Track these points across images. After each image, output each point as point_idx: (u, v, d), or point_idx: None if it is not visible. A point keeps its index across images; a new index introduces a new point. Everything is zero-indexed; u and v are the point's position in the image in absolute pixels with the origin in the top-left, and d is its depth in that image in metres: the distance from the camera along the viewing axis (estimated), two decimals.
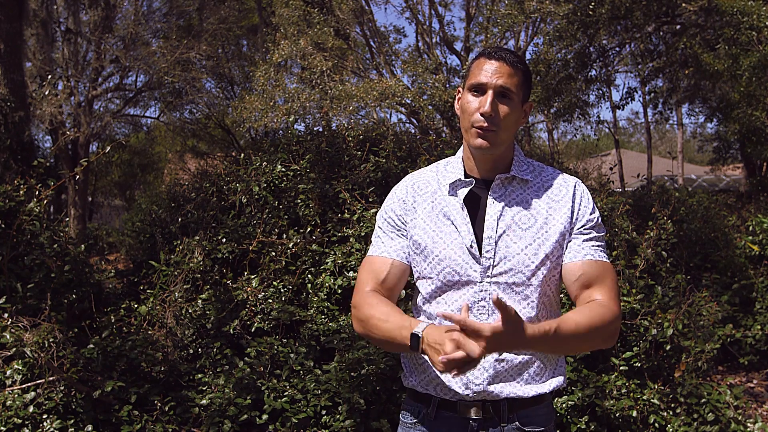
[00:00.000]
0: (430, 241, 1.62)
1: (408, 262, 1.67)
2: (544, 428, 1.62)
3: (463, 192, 1.64)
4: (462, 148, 1.72)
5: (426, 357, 1.51)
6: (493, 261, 1.57)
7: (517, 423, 1.59)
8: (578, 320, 1.47)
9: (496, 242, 1.58)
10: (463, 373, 1.36)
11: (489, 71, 1.58)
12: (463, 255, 1.58)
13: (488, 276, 1.57)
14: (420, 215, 1.66)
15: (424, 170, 1.76)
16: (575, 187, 1.66)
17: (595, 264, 1.59)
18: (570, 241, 1.62)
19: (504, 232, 1.59)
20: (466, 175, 1.67)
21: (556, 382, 1.63)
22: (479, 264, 1.57)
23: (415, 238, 1.65)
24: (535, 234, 1.59)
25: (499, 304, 1.31)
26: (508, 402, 1.58)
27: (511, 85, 1.58)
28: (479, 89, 1.59)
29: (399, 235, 1.69)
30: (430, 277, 1.62)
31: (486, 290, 1.57)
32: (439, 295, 1.61)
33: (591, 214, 1.64)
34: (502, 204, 1.61)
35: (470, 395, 1.57)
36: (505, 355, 1.57)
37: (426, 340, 1.43)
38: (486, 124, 1.57)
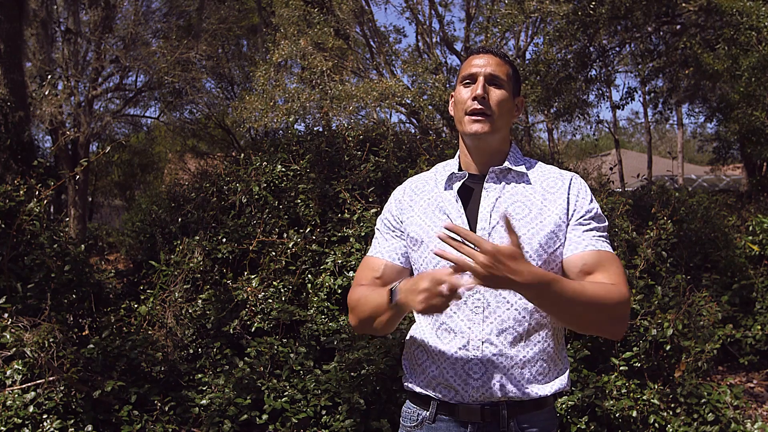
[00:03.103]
0: (425, 235, 1.63)
1: (401, 263, 1.69)
2: None
3: (457, 185, 1.65)
4: (459, 148, 1.74)
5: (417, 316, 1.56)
6: None
7: (517, 429, 1.56)
8: (584, 284, 1.44)
9: (489, 233, 1.57)
10: (446, 304, 1.34)
11: (479, 63, 1.64)
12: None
13: None
14: (416, 212, 1.68)
15: (424, 173, 1.80)
16: (571, 180, 1.65)
17: (597, 254, 1.55)
18: (569, 233, 1.58)
19: (498, 222, 1.58)
20: (460, 170, 1.69)
21: (559, 384, 1.59)
22: None
23: (411, 234, 1.66)
24: (528, 224, 1.57)
25: (508, 224, 1.32)
26: (508, 406, 1.55)
27: (501, 73, 1.63)
28: (470, 78, 1.64)
29: (394, 236, 1.71)
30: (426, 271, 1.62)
31: None
32: None
33: (590, 204, 1.62)
34: (496, 196, 1.61)
35: (469, 392, 1.55)
36: (504, 351, 1.54)
37: (401, 288, 1.46)
38: (479, 107, 1.59)
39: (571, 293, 1.40)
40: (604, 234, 1.60)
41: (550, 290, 1.37)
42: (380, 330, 1.60)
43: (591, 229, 1.58)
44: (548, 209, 1.59)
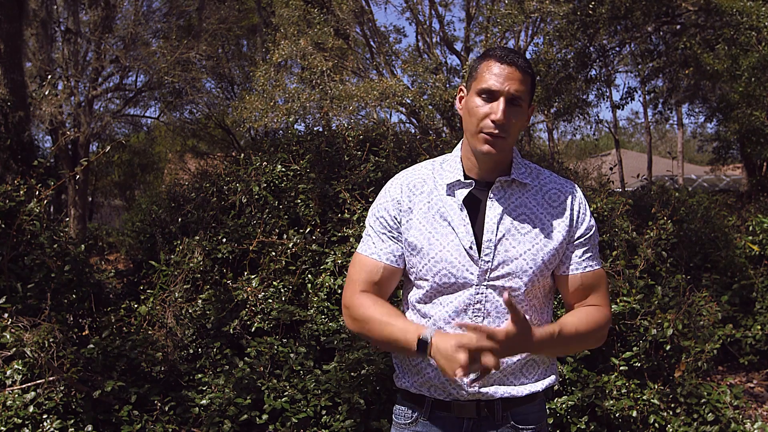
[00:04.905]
0: (425, 242, 1.60)
1: (398, 265, 1.65)
2: (537, 425, 1.64)
3: (462, 193, 1.62)
4: (460, 146, 1.69)
5: (432, 362, 1.53)
6: (492, 264, 1.56)
7: (511, 422, 1.60)
8: (577, 324, 1.56)
9: (495, 245, 1.57)
10: (478, 381, 1.49)
11: (501, 77, 1.54)
12: (459, 257, 1.57)
13: (486, 279, 1.56)
14: (416, 216, 1.63)
15: (419, 168, 1.72)
16: (573, 193, 1.67)
17: (593, 275, 1.65)
18: (569, 251, 1.64)
19: (503, 235, 1.58)
20: (465, 176, 1.65)
21: (549, 380, 1.65)
22: (477, 266, 1.57)
23: (410, 239, 1.63)
24: (533, 239, 1.59)
25: (510, 306, 1.36)
26: (503, 401, 1.59)
27: (522, 93, 1.56)
28: (489, 94, 1.55)
29: (390, 237, 1.66)
30: (425, 279, 1.61)
31: (482, 293, 1.57)
32: (435, 297, 1.61)
33: (589, 221, 1.67)
34: (502, 207, 1.61)
35: (464, 395, 1.57)
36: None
37: (436, 347, 1.44)
38: (497, 131, 1.55)
39: (569, 338, 1.54)
40: (597, 249, 1.70)
41: (553, 345, 1.52)
42: (385, 350, 1.67)
43: (589, 248, 1.66)
44: (552, 225, 1.62)
